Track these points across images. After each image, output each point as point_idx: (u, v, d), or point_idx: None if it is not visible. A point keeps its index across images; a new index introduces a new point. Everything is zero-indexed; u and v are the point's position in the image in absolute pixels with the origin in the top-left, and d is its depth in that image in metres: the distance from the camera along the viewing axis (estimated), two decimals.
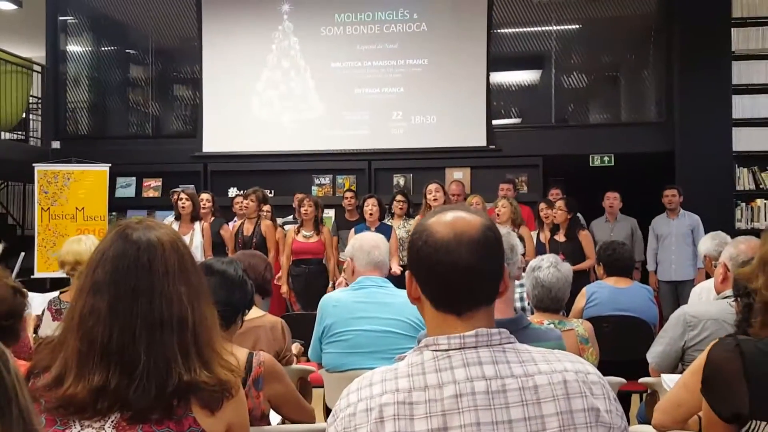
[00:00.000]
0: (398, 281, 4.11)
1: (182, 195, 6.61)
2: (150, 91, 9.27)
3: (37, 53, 9.35)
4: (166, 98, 9.41)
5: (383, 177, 8.48)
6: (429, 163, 8.24)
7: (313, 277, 6.45)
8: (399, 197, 6.85)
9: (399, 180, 8.43)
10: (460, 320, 1.25)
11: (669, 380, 2.57)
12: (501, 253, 1.30)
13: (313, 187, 8.44)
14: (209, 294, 1.51)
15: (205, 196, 7.01)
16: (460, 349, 1.23)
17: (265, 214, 6.77)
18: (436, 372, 1.22)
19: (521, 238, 4.65)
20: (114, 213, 8.30)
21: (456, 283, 1.24)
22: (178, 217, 6.61)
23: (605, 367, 3.13)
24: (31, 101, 9.57)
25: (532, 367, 1.23)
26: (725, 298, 2.69)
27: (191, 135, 8.84)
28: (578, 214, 6.47)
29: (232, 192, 8.36)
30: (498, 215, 6.22)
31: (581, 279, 5.49)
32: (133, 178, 8.81)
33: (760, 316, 1.53)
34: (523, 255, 2.62)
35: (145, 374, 1.36)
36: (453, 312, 1.26)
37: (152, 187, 8.80)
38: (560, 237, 6.31)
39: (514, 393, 1.20)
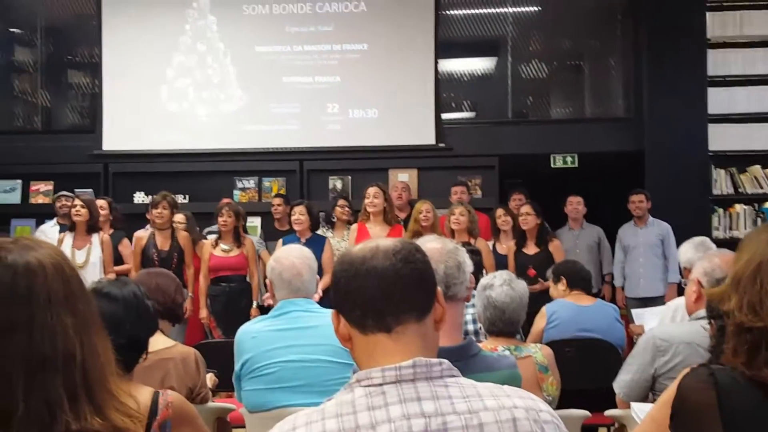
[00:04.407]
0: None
1: (76, 202, 6.46)
2: (39, 78, 9.02)
3: None
4: (59, 86, 9.18)
5: (317, 180, 8.45)
6: (370, 163, 8.26)
7: (235, 296, 6.39)
8: (341, 202, 6.89)
9: (336, 183, 8.42)
10: (391, 339, 1.31)
11: (640, 410, 2.62)
12: (426, 265, 1.38)
13: (236, 192, 8.35)
14: (101, 324, 1.47)
15: (100, 202, 6.85)
16: (395, 383, 1.26)
17: (176, 225, 6.66)
18: (368, 410, 1.24)
19: (477, 252, 4.68)
20: None
21: (375, 288, 1.31)
22: (72, 228, 6.45)
23: (568, 398, 3.21)
24: None
25: (478, 402, 1.25)
26: (699, 319, 2.76)
27: (89, 130, 8.64)
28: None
29: (139, 197, 8.20)
30: (457, 223, 6.20)
31: (543, 298, 5.56)
32: (19, 182, 8.55)
33: (732, 342, 1.57)
34: (476, 273, 2.64)
35: (24, 424, 1.32)
36: (381, 329, 1.31)
37: (41, 191, 8.55)
38: (529, 249, 6.34)
39: None
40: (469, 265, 2.08)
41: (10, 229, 8.19)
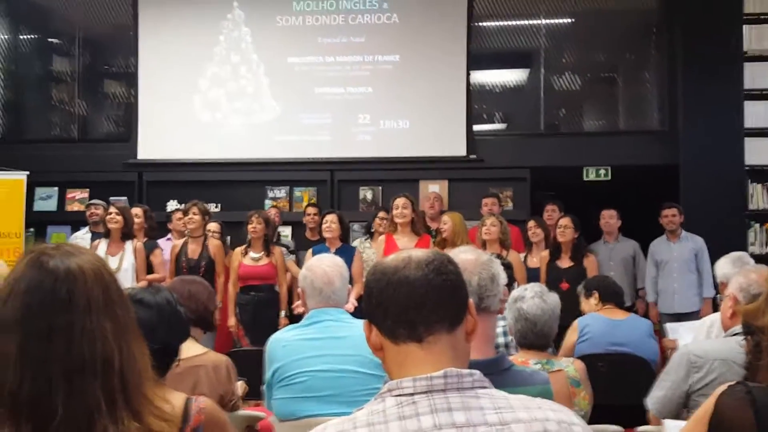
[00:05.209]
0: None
1: (111, 209, 6.54)
2: (76, 88, 9.16)
3: None
4: (96, 96, 9.32)
5: (348, 190, 8.49)
6: (400, 174, 8.28)
7: (263, 305, 6.42)
8: (381, 214, 6.93)
9: (366, 194, 8.44)
10: (422, 349, 1.31)
11: (673, 427, 2.59)
12: (458, 276, 1.38)
13: (267, 201, 8.41)
14: (139, 330, 1.50)
15: (135, 210, 6.93)
16: (426, 393, 1.26)
17: (212, 234, 6.73)
18: (399, 420, 1.24)
19: (509, 266, 4.65)
20: (32, 229, 8.17)
21: (407, 298, 1.32)
22: (107, 235, 6.54)
23: (600, 413, 3.19)
24: None
25: (509, 414, 1.25)
26: (734, 335, 2.73)
27: (124, 139, 8.76)
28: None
29: (172, 206, 8.28)
30: (488, 233, 6.18)
31: (575, 312, 5.51)
32: (55, 189, 8.70)
33: (766, 358, 1.56)
34: (509, 285, 2.63)
35: (63, 428, 1.34)
36: (412, 338, 1.32)
37: (77, 199, 8.68)
38: (563, 262, 6.29)
39: None
40: (503, 277, 2.06)
41: (46, 236, 8.33)
